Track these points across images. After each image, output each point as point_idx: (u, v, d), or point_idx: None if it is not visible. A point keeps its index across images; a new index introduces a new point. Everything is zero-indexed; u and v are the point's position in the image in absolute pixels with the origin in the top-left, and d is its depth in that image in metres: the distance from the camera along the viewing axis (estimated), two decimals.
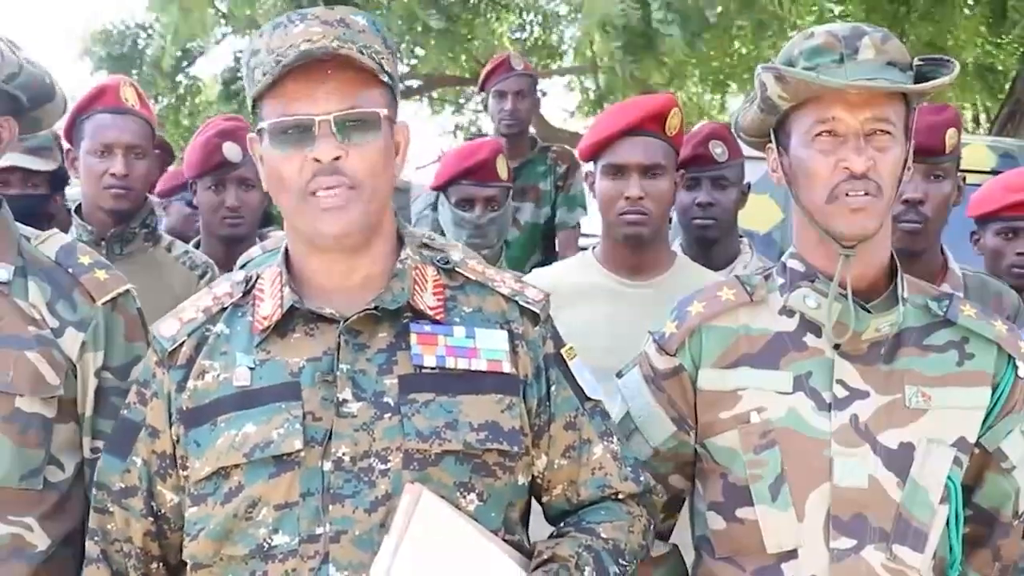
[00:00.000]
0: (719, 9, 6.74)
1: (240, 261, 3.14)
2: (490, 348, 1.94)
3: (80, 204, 3.42)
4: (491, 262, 2.97)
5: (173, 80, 10.97)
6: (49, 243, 2.24)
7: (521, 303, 1.99)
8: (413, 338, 1.91)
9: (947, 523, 2.09)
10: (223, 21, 10.19)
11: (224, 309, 1.98)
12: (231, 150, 3.70)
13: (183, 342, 1.96)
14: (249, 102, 1.92)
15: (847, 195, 2.01)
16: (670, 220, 3.22)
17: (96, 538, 2.02)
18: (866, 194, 2.01)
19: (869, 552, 2.04)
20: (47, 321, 2.16)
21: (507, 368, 1.94)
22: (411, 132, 2.00)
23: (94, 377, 2.19)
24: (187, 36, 9.37)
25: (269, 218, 5.78)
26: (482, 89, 5.37)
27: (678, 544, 2.31)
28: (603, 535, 1.97)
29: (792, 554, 2.06)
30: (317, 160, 1.85)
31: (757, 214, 4.38)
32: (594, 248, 3.06)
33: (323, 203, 1.86)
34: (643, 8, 6.94)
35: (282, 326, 1.92)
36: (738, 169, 3.49)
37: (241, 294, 1.98)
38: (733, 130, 2.25)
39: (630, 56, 7.52)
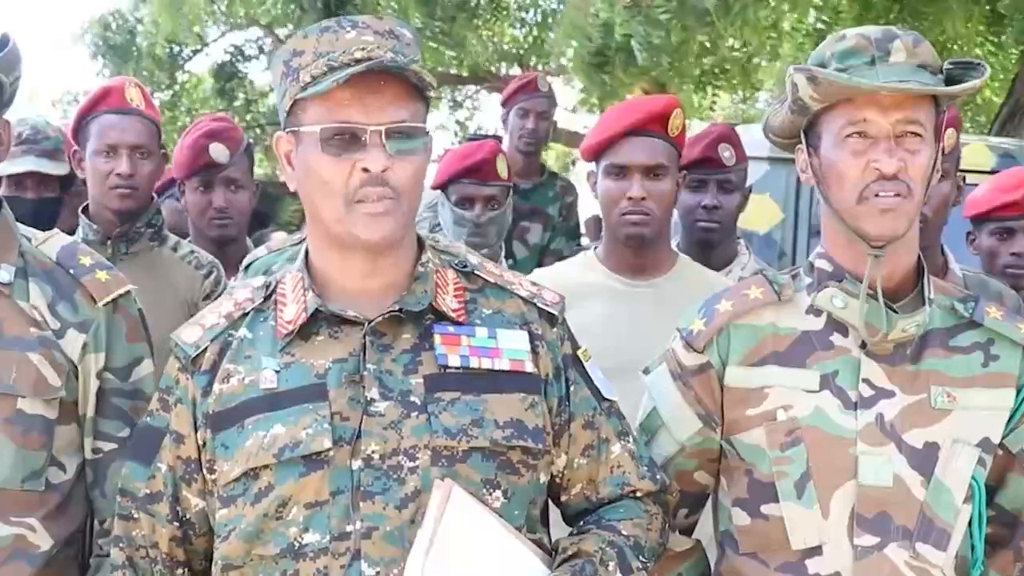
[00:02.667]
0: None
1: (245, 262, 3.15)
2: (512, 348, 1.97)
3: (87, 204, 3.43)
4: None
5: (171, 75, 10.95)
6: (50, 244, 2.24)
7: (539, 305, 2.02)
8: (437, 339, 1.94)
9: (970, 523, 2.11)
10: (221, 18, 10.16)
11: (246, 314, 1.99)
12: (218, 151, 3.71)
13: (206, 347, 1.97)
14: (287, 101, 1.94)
15: (877, 196, 2.03)
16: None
17: (121, 544, 2.03)
18: (896, 195, 2.03)
19: (893, 550, 2.06)
20: (48, 322, 2.16)
21: (529, 368, 1.96)
22: None
23: (95, 378, 2.19)
24: (173, 34, 9.35)
25: (266, 219, 5.78)
26: (504, 104, 5.46)
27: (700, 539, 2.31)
28: (624, 532, 1.99)
29: (816, 550, 2.08)
30: (365, 169, 1.88)
31: (757, 214, 4.39)
32: (596, 248, 3.07)
33: (366, 210, 1.88)
34: (608, 31, 6.93)
35: (305, 329, 1.94)
36: (743, 173, 3.51)
37: (262, 299, 2.00)
38: (763, 131, 2.25)
39: (603, 70, 7.59)
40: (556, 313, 2.03)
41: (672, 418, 2.19)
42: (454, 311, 1.96)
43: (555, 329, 2.03)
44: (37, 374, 2.13)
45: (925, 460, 2.08)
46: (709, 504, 2.29)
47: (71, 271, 2.20)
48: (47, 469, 2.15)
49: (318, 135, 1.88)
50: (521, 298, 2.02)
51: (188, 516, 1.99)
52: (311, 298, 1.94)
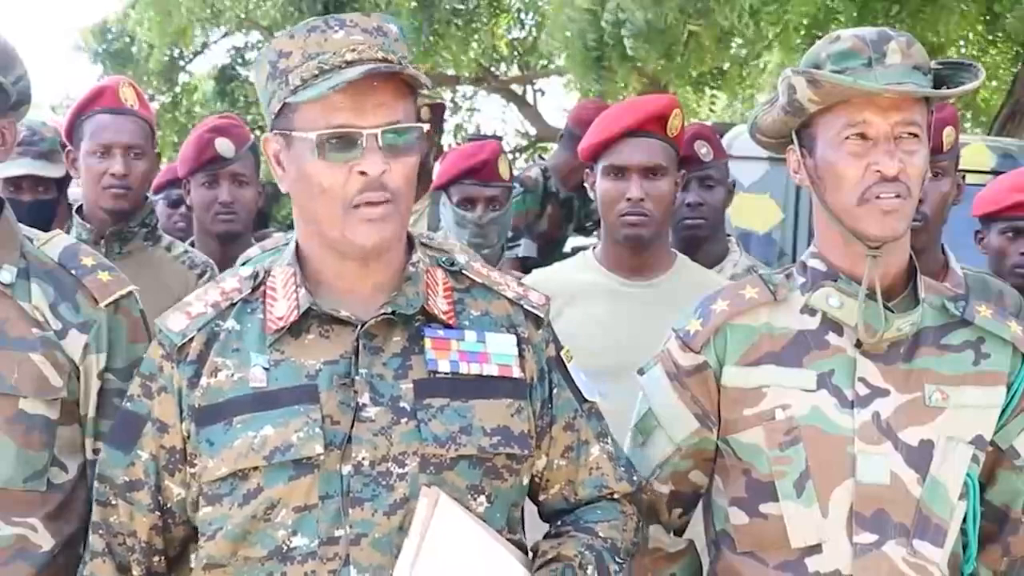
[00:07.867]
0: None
1: (239, 261, 3.15)
2: (500, 352, 1.96)
3: (81, 204, 3.43)
4: (491, 262, 2.98)
5: (168, 79, 10.95)
6: (52, 245, 2.24)
7: (525, 307, 2.02)
8: (427, 343, 1.93)
9: (963, 519, 2.13)
10: (218, 21, 10.17)
11: (233, 305, 1.97)
12: (223, 145, 3.72)
13: (192, 337, 1.95)
14: (274, 104, 1.90)
15: (879, 197, 2.04)
16: None
17: (100, 531, 2.02)
18: (897, 196, 2.04)
19: (891, 547, 2.08)
20: (50, 323, 2.15)
21: (516, 372, 1.97)
22: None
23: (97, 379, 2.19)
24: (171, 39, 9.35)
25: (266, 219, 5.79)
26: None
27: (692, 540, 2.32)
28: (601, 534, 2.01)
29: (816, 549, 2.09)
30: (363, 173, 1.85)
31: (757, 214, 4.39)
32: (594, 248, 3.07)
33: (365, 215, 1.86)
34: (599, 28, 6.93)
35: (296, 327, 1.92)
36: (723, 168, 3.51)
37: (250, 290, 1.97)
38: (750, 132, 2.25)
39: (596, 71, 7.59)
40: (542, 315, 2.03)
41: (668, 419, 2.19)
42: (444, 313, 1.96)
43: (540, 331, 2.03)
44: (39, 374, 2.13)
45: (921, 458, 2.09)
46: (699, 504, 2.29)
47: (73, 272, 2.20)
48: (49, 469, 2.15)
49: (313, 141, 1.85)
50: (508, 299, 2.01)
51: (169, 505, 1.97)
52: (303, 295, 1.92)
